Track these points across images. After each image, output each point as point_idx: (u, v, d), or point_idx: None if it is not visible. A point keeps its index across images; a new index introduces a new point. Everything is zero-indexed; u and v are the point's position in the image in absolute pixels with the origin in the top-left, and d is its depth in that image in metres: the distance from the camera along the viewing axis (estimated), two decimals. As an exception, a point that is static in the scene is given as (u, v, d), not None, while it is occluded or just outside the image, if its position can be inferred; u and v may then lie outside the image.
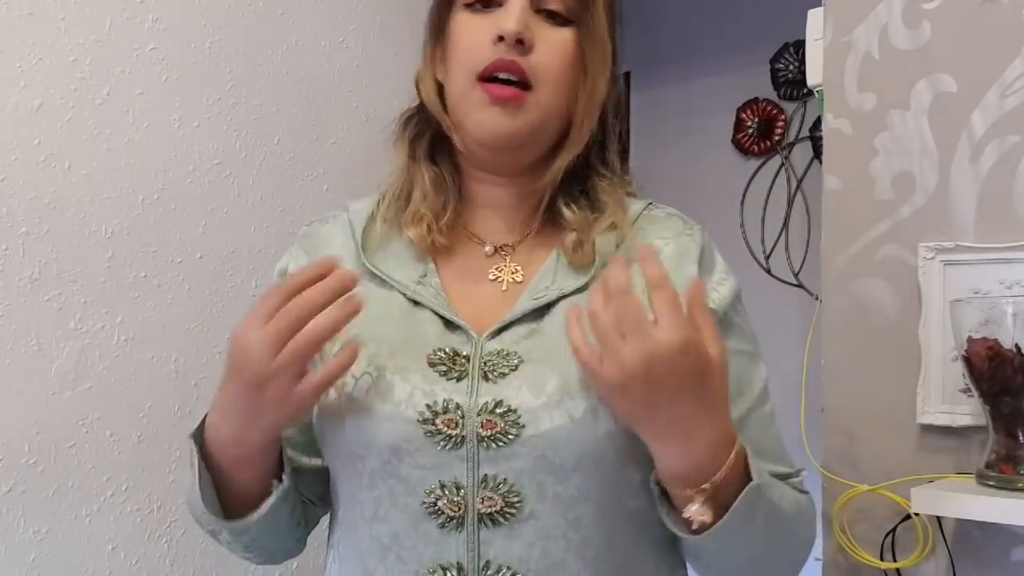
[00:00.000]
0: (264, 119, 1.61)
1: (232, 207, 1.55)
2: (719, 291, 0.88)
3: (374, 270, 0.87)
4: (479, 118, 0.84)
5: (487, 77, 0.83)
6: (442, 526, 0.78)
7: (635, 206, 0.92)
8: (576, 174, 0.90)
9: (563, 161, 0.88)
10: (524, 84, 0.83)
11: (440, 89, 0.90)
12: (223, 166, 1.54)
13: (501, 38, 0.82)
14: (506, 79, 0.82)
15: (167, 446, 1.45)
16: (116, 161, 1.39)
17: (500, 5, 0.84)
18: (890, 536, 1.20)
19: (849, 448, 1.25)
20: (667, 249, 0.88)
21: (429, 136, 0.92)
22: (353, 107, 1.77)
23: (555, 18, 0.85)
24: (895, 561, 1.19)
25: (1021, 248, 1.14)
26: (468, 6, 0.86)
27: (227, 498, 0.84)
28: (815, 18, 1.32)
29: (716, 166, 2.88)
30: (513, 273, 0.88)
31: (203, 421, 0.82)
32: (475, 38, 0.84)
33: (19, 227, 1.28)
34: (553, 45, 0.84)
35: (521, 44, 0.82)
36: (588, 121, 0.88)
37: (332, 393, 0.81)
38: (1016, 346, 1.05)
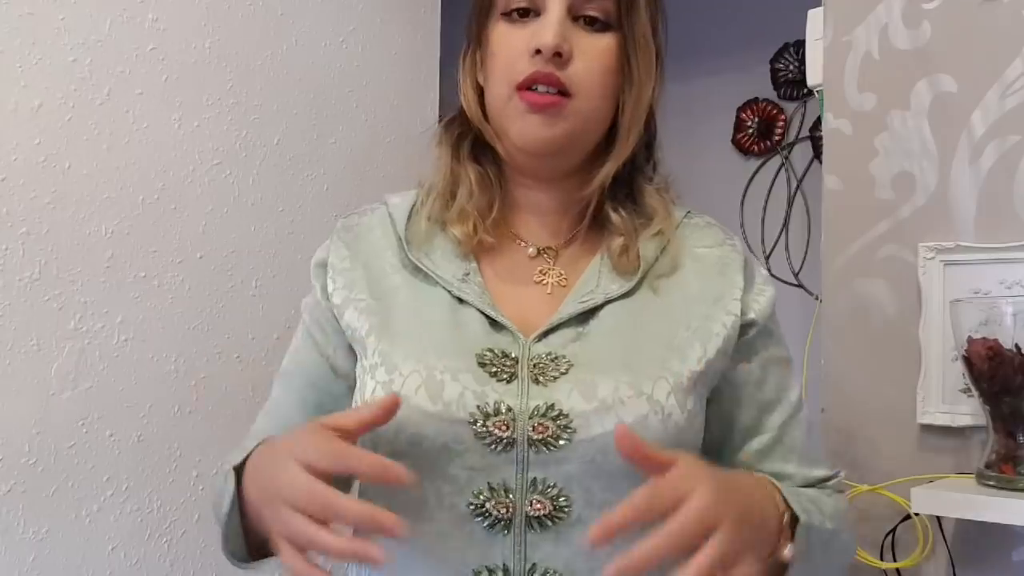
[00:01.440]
0: (264, 119, 1.61)
1: (232, 207, 1.55)
2: (759, 301, 0.89)
3: (418, 264, 0.87)
4: (519, 127, 0.84)
5: (525, 87, 0.82)
6: (489, 528, 0.78)
7: (676, 213, 0.93)
8: (622, 177, 0.90)
9: (610, 168, 0.87)
10: (563, 92, 0.82)
11: (480, 95, 0.89)
12: (223, 166, 1.54)
13: (539, 51, 0.81)
14: (544, 91, 0.82)
15: (167, 446, 1.45)
16: (116, 161, 1.39)
17: (538, 14, 0.84)
18: (890, 536, 1.20)
19: (849, 448, 1.25)
20: (710, 256, 0.90)
21: (471, 139, 0.92)
22: (353, 107, 1.77)
23: (594, 24, 0.84)
24: (895, 561, 1.19)
25: (1021, 248, 1.14)
26: (506, 15, 0.85)
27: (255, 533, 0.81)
28: (815, 18, 1.33)
29: (716, 166, 2.87)
30: (558, 277, 0.88)
31: (247, 457, 0.81)
32: (513, 49, 0.83)
33: (19, 227, 1.28)
34: (592, 54, 0.83)
35: (559, 57, 0.81)
36: (635, 127, 0.87)
37: (380, 391, 0.81)
38: (1016, 346, 1.05)
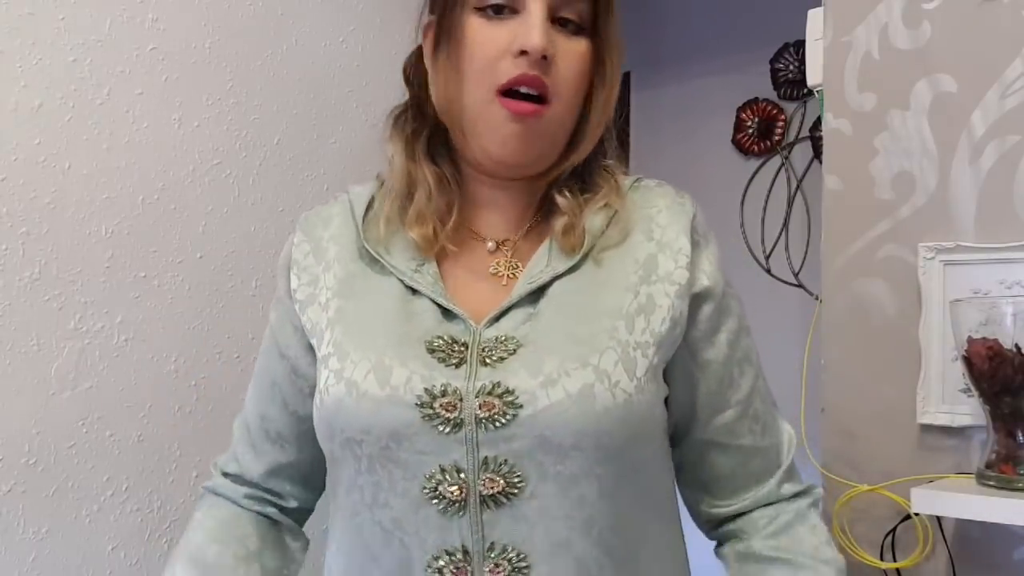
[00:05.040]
0: (264, 119, 1.61)
1: (232, 207, 1.55)
2: (710, 261, 0.89)
3: (372, 252, 0.87)
4: (500, 135, 0.83)
5: (507, 91, 0.81)
6: (444, 510, 0.78)
7: (625, 180, 0.92)
8: (575, 167, 0.91)
9: (571, 164, 0.88)
10: (543, 98, 0.82)
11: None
12: (223, 166, 1.54)
13: (523, 52, 0.80)
14: (527, 93, 0.81)
15: (167, 446, 1.45)
16: (116, 161, 1.39)
17: (514, 11, 0.82)
18: (890, 536, 1.20)
19: (849, 448, 1.25)
20: (660, 217, 0.89)
21: (426, 134, 0.91)
22: (353, 107, 1.77)
23: (567, 25, 0.84)
24: (895, 561, 1.20)
25: (1021, 248, 1.14)
26: (480, 10, 0.83)
27: None
28: (815, 18, 1.33)
29: (716, 166, 2.87)
30: (513, 268, 0.88)
31: None
32: (493, 49, 0.82)
33: (19, 227, 1.28)
34: (570, 57, 0.83)
35: (544, 60, 0.81)
36: (601, 128, 0.88)
37: (332, 379, 0.81)
38: (1016, 346, 1.05)
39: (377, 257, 0.87)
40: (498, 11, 0.83)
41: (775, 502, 0.91)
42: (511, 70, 0.81)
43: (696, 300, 0.86)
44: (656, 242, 0.87)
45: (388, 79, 1.84)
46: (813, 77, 1.33)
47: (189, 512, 1.45)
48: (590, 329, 0.81)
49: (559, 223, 0.87)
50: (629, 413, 0.78)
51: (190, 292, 1.49)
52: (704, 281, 0.87)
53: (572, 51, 0.84)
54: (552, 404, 0.77)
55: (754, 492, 0.91)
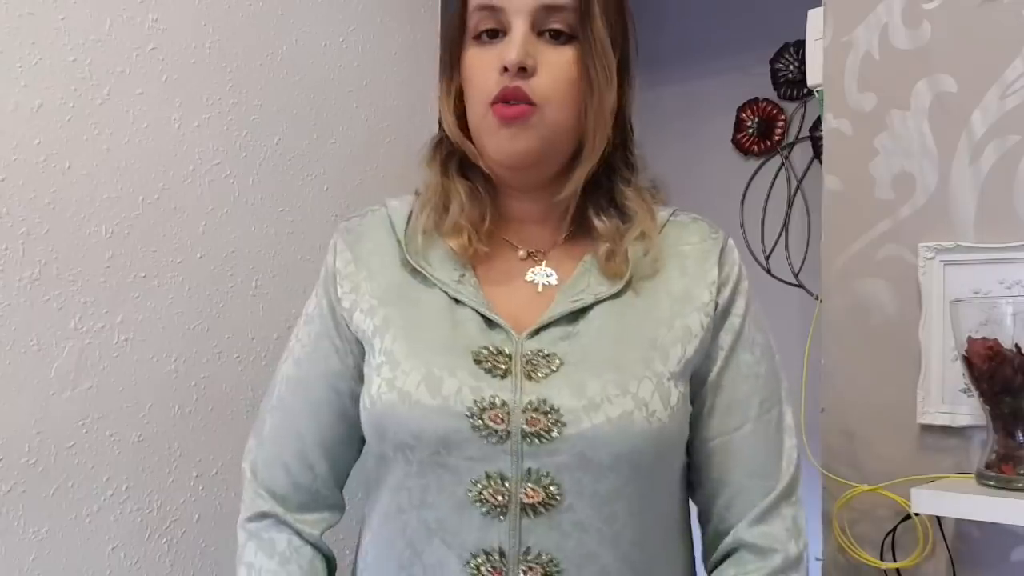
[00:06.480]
0: (264, 119, 1.61)
1: (232, 207, 1.55)
2: (738, 297, 0.93)
3: (417, 266, 0.92)
4: (493, 141, 0.89)
5: (497, 103, 0.87)
6: (486, 514, 0.83)
7: (661, 213, 0.96)
8: (601, 180, 0.94)
9: (581, 173, 0.91)
10: (530, 104, 0.87)
11: (459, 117, 0.94)
12: (223, 166, 1.54)
13: (506, 68, 0.86)
14: (513, 104, 0.87)
15: (167, 446, 1.44)
16: (116, 161, 1.39)
17: (506, 34, 0.88)
18: (890, 536, 1.20)
19: (849, 448, 1.25)
20: (693, 252, 0.93)
21: (459, 157, 0.96)
22: (353, 107, 1.77)
23: (558, 37, 0.88)
24: (895, 561, 1.20)
25: (1021, 248, 1.14)
26: (476, 39, 0.90)
27: None
28: (815, 18, 1.33)
29: (716, 166, 2.87)
30: (548, 276, 0.92)
31: None
32: (483, 70, 0.89)
33: (19, 227, 1.28)
34: (555, 66, 0.88)
35: (524, 71, 0.86)
36: (600, 133, 0.91)
37: (384, 387, 0.86)
38: (1016, 346, 1.05)
39: (420, 270, 0.91)
40: (492, 35, 0.89)
41: (738, 549, 0.91)
42: (496, 86, 0.87)
43: (715, 329, 0.91)
44: (690, 276, 0.92)
45: (388, 79, 1.85)
46: (813, 77, 1.33)
47: (189, 512, 1.46)
48: (628, 358, 0.85)
49: (601, 248, 0.91)
50: (661, 435, 0.84)
51: (190, 292, 1.48)
52: (722, 305, 0.92)
53: (558, 60, 0.88)
54: (594, 426, 0.82)
55: (723, 536, 0.93)
